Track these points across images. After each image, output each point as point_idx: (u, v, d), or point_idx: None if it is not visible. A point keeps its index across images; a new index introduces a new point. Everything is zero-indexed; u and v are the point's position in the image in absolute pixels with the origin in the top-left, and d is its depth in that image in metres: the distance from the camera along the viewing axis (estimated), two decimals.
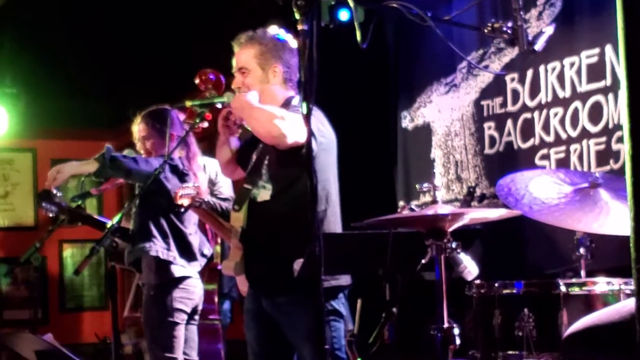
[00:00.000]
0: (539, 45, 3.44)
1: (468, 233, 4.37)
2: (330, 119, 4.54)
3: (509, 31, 3.41)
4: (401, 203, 7.02)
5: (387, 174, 7.69)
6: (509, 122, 6.53)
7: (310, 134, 3.11)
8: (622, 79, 1.89)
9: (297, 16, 3.20)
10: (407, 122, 7.57)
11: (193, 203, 5.46)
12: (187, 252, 5.81)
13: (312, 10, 3.22)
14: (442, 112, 7.20)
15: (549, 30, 3.46)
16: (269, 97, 4.42)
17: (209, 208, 5.69)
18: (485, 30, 3.45)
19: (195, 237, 5.88)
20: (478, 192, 6.57)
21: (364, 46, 3.37)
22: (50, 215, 5.96)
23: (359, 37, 3.34)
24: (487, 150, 6.76)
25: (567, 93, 6.04)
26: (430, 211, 3.32)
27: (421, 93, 7.40)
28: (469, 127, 6.93)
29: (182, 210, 5.55)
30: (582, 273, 4.22)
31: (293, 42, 4.49)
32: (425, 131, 7.38)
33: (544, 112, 6.23)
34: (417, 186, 3.59)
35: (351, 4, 3.35)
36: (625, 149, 1.86)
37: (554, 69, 6.13)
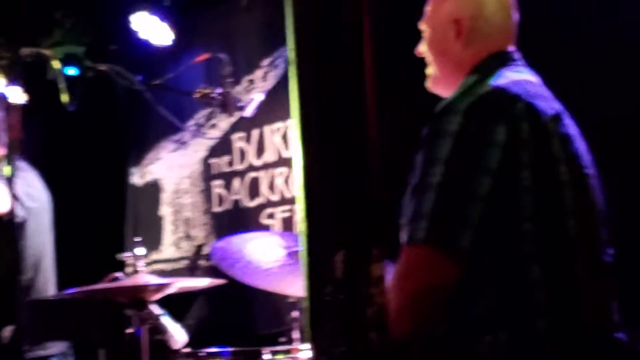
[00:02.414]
0: (248, 112, 3.49)
1: (187, 296, 4.34)
2: (58, 176, 4.41)
3: (218, 97, 3.44)
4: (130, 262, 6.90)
5: (118, 231, 7.55)
6: (237, 181, 6.58)
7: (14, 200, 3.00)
8: (297, 157, 1.92)
9: (1, 76, 3.11)
10: (137, 179, 7.48)
11: None
12: None
13: (17, 70, 3.13)
14: (171, 169, 7.16)
15: (259, 97, 3.52)
16: None
17: None
18: (195, 96, 3.47)
19: None
20: (206, 250, 6.56)
21: (71, 109, 3.30)
22: None
23: (64, 99, 3.26)
24: (216, 209, 6.77)
25: (292, 153, 6.14)
26: (130, 282, 3.26)
27: (150, 150, 7.34)
28: (198, 185, 6.92)
29: None
30: (296, 335, 4.26)
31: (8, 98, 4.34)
32: (154, 188, 7.31)
33: (270, 171, 6.32)
34: (117, 256, 3.53)
35: (55, 67, 3.28)
36: (301, 230, 1.88)
37: (278, 129, 6.23)
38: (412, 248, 2.39)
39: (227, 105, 3.40)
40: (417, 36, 2.80)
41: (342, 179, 1.86)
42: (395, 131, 3.01)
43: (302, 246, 1.93)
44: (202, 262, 6.13)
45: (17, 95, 3.06)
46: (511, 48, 2.70)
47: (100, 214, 7.42)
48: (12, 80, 3.10)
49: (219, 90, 3.42)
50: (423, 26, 2.78)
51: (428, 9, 2.77)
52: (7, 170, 2.95)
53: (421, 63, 2.78)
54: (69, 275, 4.33)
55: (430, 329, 2.42)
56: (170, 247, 7.09)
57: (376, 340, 1.80)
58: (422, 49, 2.78)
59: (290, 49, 1.89)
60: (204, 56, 3.48)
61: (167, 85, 3.74)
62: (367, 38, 1.86)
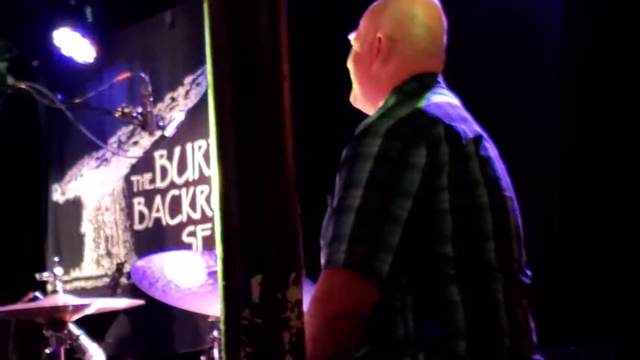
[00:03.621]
0: (169, 131, 3.47)
1: (102, 316, 4.28)
2: None
3: (138, 116, 3.41)
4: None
5: (39, 248, 7.45)
6: (158, 198, 6.53)
7: None
8: (213, 180, 1.91)
9: None
10: (59, 195, 7.39)
11: None
12: None
13: None
14: (93, 186, 7.09)
15: (180, 116, 3.51)
16: None
17: None
18: (116, 114, 3.44)
19: None
20: (127, 268, 6.49)
21: None
22: None
23: None
24: (137, 226, 6.71)
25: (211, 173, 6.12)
26: (48, 303, 3.21)
27: (72, 166, 7.26)
28: (120, 202, 6.86)
29: None
30: (216, 353, 4.24)
31: None
32: (76, 205, 7.23)
33: (191, 189, 6.29)
34: (36, 275, 3.48)
35: None
36: (217, 254, 1.87)
37: (200, 147, 6.21)
38: (330, 271, 2.38)
39: (148, 124, 3.38)
40: (341, 50, 2.80)
41: (259, 201, 1.85)
42: (315, 151, 3.01)
43: (218, 269, 1.92)
44: (123, 280, 6.05)
45: None
46: (435, 71, 2.71)
47: (21, 231, 7.32)
48: None
49: (140, 109, 3.39)
50: (352, 40, 2.78)
51: (360, 22, 2.77)
52: None
53: (347, 79, 2.78)
54: None
55: (349, 352, 2.42)
56: (91, 264, 7.02)
57: None
58: (348, 63, 2.78)
59: (208, 71, 1.88)
60: (124, 75, 3.45)
61: (89, 104, 3.70)
62: (285, 54, 1.86)
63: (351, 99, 2.80)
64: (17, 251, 7.18)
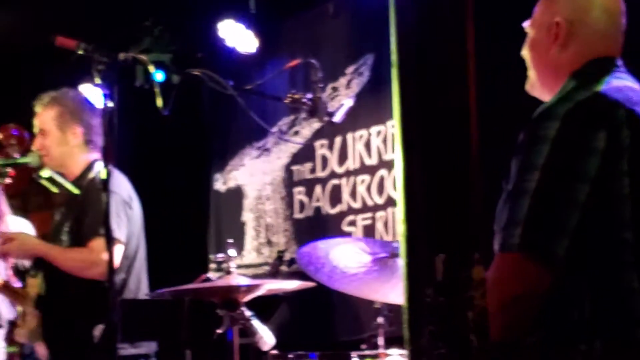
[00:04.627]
0: (338, 117, 3.50)
1: (271, 300, 4.37)
2: (144, 181, 4.49)
3: (309, 103, 3.46)
4: (213, 265, 6.98)
5: (201, 236, 7.64)
6: (318, 188, 6.61)
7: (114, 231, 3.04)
8: (398, 159, 1.92)
9: (97, 81, 3.17)
10: (220, 184, 7.56)
11: None
12: None
13: (113, 75, 3.19)
14: (254, 175, 7.22)
15: (349, 102, 3.53)
16: (69, 160, 4.35)
17: None
18: (286, 101, 3.50)
19: (2, 304, 5.70)
20: (287, 256, 6.59)
21: (166, 113, 3.34)
22: None
23: (159, 103, 3.31)
24: (297, 215, 6.80)
25: (374, 160, 6.16)
26: (223, 282, 3.30)
27: (234, 156, 7.41)
28: (280, 192, 6.97)
29: None
30: (381, 341, 4.27)
31: (99, 103, 4.44)
32: (237, 194, 7.38)
33: (352, 178, 6.34)
34: (211, 257, 3.57)
35: (152, 71, 3.33)
36: (399, 230, 1.89)
37: (361, 137, 6.25)
38: (505, 255, 2.38)
39: (317, 110, 3.42)
40: (521, 37, 2.78)
41: (443, 181, 1.86)
42: (494, 135, 2.99)
43: (402, 248, 1.93)
44: (283, 268, 6.14)
45: (111, 101, 3.12)
46: (614, 55, 2.66)
47: (185, 218, 7.52)
48: (108, 85, 3.15)
49: (309, 95, 3.44)
50: (527, 27, 2.76)
51: (535, 10, 2.75)
52: (103, 174, 3.01)
53: (523, 65, 2.76)
54: (157, 277, 4.40)
55: (522, 336, 2.41)
56: (252, 252, 7.15)
57: (476, 343, 1.79)
58: (524, 51, 2.76)
59: (392, 51, 1.90)
60: (295, 62, 3.50)
61: (258, 90, 3.77)
62: (470, 40, 1.86)
63: (527, 87, 2.77)
64: (181, 238, 7.38)
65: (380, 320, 4.28)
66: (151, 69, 3.31)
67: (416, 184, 1.85)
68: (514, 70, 2.89)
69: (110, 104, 3.09)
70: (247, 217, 7.26)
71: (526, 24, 2.77)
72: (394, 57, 1.91)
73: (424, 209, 1.84)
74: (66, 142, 4.37)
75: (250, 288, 3.27)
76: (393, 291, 4.04)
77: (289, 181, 6.89)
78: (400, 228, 1.93)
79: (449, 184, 1.84)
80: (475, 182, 1.82)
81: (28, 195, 8.53)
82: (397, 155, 1.93)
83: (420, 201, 1.85)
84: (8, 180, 4.62)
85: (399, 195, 1.91)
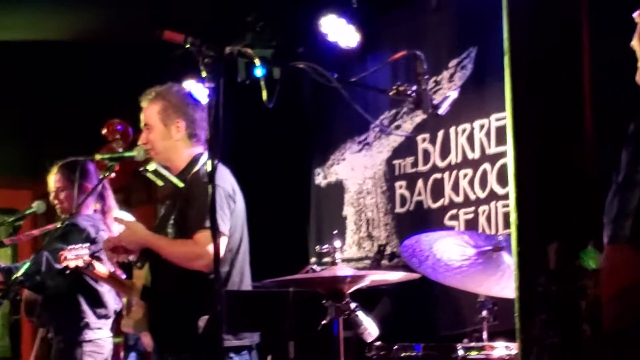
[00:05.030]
0: (442, 109, 3.48)
1: (373, 293, 4.38)
2: (245, 175, 4.53)
3: (413, 95, 3.44)
4: (313, 260, 7.02)
5: (300, 230, 7.68)
6: (420, 182, 6.58)
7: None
8: (509, 147, 1.92)
9: (203, 75, 3.20)
10: (321, 179, 7.59)
11: (81, 265, 5.31)
12: (100, 310, 5.76)
13: (219, 70, 3.22)
14: (355, 170, 7.23)
15: (454, 94, 3.51)
16: (173, 154, 4.42)
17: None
18: (391, 93, 3.49)
19: (110, 295, 5.82)
20: (388, 250, 6.59)
21: (270, 106, 3.36)
22: None
23: (264, 96, 3.33)
24: (398, 209, 6.79)
25: (477, 154, 6.11)
26: (329, 273, 3.32)
27: (335, 150, 7.43)
28: (381, 186, 6.96)
29: (67, 272, 5.42)
30: (485, 335, 4.25)
31: (203, 97, 4.50)
32: (337, 188, 7.39)
33: (454, 172, 6.30)
34: (317, 247, 3.59)
35: (257, 64, 3.36)
36: (511, 219, 1.88)
37: (464, 131, 6.20)
38: (615, 246, 2.34)
39: (422, 102, 3.40)
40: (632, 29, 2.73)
41: (556, 167, 1.85)
42: (604, 126, 2.95)
43: (513, 237, 1.92)
44: (384, 262, 6.14)
45: (216, 95, 3.15)
46: None
47: (285, 212, 7.57)
48: (214, 79, 3.19)
49: (414, 87, 3.43)
50: (637, 17, 2.70)
51: None
52: (209, 167, 3.04)
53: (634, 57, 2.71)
54: (258, 270, 4.44)
55: (632, 327, 2.37)
56: (353, 246, 7.17)
57: (589, 333, 1.78)
58: (634, 42, 2.71)
59: (505, 38, 1.89)
60: (400, 54, 3.49)
61: (362, 83, 3.77)
62: (585, 30, 1.84)
63: (637, 78, 2.72)
64: (282, 231, 7.43)
65: (484, 313, 4.25)
66: (257, 62, 3.33)
67: (528, 171, 1.84)
68: (625, 62, 2.84)
69: (216, 98, 3.12)
70: (348, 211, 7.27)
71: (636, 14, 2.72)
72: (506, 44, 1.90)
73: (536, 197, 1.83)
74: (170, 136, 4.42)
75: (355, 279, 3.28)
76: (497, 284, 4.01)
77: (391, 175, 6.88)
78: (512, 216, 1.92)
79: (563, 171, 1.82)
80: (589, 170, 1.81)
81: (131, 190, 8.71)
82: (508, 142, 1.92)
83: (532, 189, 1.84)
84: (112, 175, 4.70)
85: (510, 184, 1.90)
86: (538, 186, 1.79)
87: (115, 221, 4.49)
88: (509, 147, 1.85)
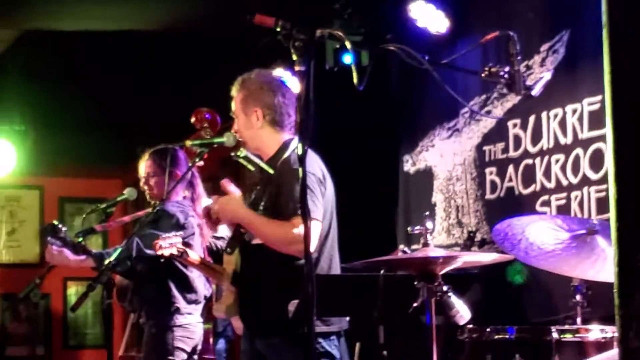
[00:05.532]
0: (536, 91, 3.43)
1: (464, 277, 4.35)
2: (333, 161, 4.53)
3: (506, 76, 3.41)
4: (401, 246, 7.00)
5: (388, 217, 7.68)
6: (511, 168, 6.52)
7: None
8: (608, 127, 1.88)
9: (294, 57, 3.20)
10: (409, 165, 7.57)
11: (175, 253, 5.37)
12: (190, 295, 5.82)
13: (310, 52, 3.21)
14: (444, 156, 7.19)
15: (547, 75, 3.46)
16: (259, 143, 4.42)
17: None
18: (483, 75, 3.45)
19: (200, 280, 5.88)
20: (478, 237, 6.54)
21: (361, 88, 3.34)
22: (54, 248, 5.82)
23: (355, 79, 3.32)
24: (488, 196, 6.74)
25: (569, 139, 6.02)
26: (421, 254, 3.30)
27: (424, 137, 7.41)
28: (471, 172, 6.92)
29: (162, 260, 5.48)
30: (578, 320, 4.20)
31: (285, 84, 4.50)
32: (427, 175, 7.37)
33: (546, 158, 6.22)
34: (409, 229, 3.58)
35: (349, 46, 3.34)
36: (610, 194, 1.85)
37: (556, 116, 6.12)
38: None
39: (515, 84, 3.36)
40: None
41: None
42: None
43: (612, 212, 1.89)
44: (474, 249, 6.09)
45: (307, 78, 3.15)
46: None
47: (373, 199, 7.57)
48: (305, 62, 3.18)
49: (506, 68, 3.38)
50: None
51: None
52: (299, 151, 3.04)
53: None
54: (346, 256, 4.44)
55: None
56: (442, 233, 7.14)
57: None
58: None
59: (603, 11, 1.85)
60: (492, 34, 3.45)
61: (454, 65, 3.74)
62: None
63: None
64: (371, 219, 7.44)
65: (577, 297, 4.20)
66: (347, 44, 3.31)
67: (629, 144, 1.81)
68: None
69: (306, 82, 3.12)
70: (437, 198, 7.24)
71: None
72: (604, 17, 1.86)
73: (636, 170, 1.80)
74: (251, 125, 4.41)
75: (447, 260, 3.26)
76: (592, 268, 3.95)
77: (481, 161, 6.83)
78: (611, 191, 1.88)
79: None
80: None
81: (219, 179, 8.78)
82: (607, 114, 1.89)
83: (632, 162, 1.81)
84: (201, 163, 4.72)
85: (608, 156, 1.87)
86: (638, 158, 1.75)
87: (222, 187, 4.51)
88: (607, 119, 1.81)
